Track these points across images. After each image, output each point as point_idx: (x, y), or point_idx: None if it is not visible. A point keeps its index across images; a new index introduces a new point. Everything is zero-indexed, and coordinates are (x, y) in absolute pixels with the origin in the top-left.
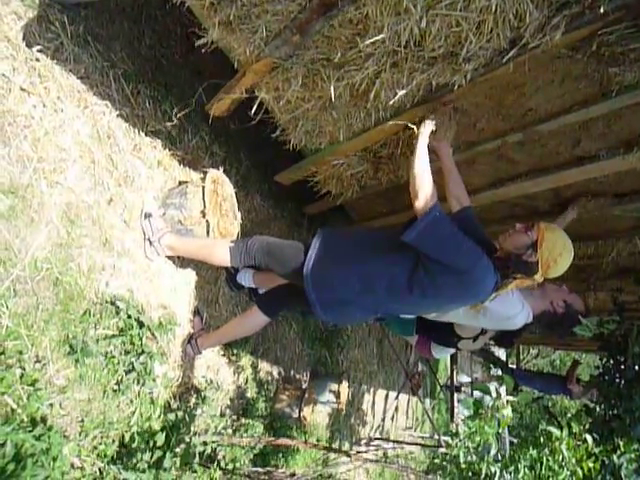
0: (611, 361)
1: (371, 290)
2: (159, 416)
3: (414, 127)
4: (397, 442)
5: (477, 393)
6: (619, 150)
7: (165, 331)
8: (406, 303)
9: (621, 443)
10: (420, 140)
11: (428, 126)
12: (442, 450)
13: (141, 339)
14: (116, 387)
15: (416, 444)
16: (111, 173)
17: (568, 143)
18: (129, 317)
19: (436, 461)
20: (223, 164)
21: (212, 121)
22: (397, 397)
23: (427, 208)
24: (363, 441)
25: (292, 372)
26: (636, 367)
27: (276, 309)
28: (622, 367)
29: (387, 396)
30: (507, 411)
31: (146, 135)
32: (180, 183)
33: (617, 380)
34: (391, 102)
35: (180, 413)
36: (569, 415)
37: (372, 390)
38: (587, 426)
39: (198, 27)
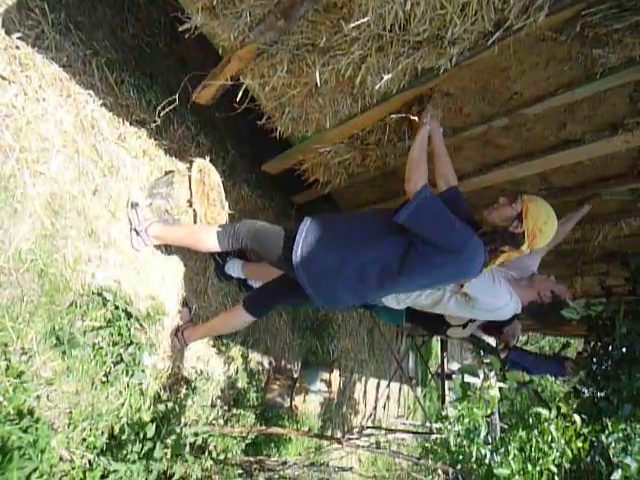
0: (598, 343)
1: (362, 274)
2: (149, 407)
3: (415, 118)
4: (389, 430)
5: (466, 377)
6: (604, 133)
7: (153, 322)
8: (396, 286)
9: (609, 423)
10: (422, 130)
11: (429, 116)
12: (434, 437)
13: (129, 330)
14: (104, 379)
15: (408, 432)
16: (95, 163)
17: (554, 127)
18: (116, 308)
19: (427, 445)
20: (210, 154)
21: (198, 110)
22: (388, 385)
23: (417, 187)
24: (355, 430)
25: (283, 362)
26: (623, 348)
27: (262, 309)
28: (609, 348)
29: (378, 385)
30: (494, 391)
31: (131, 125)
32: (166, 173)
33: (605, 361)
34: (377, 87)
35: (170, 404)
36: (558, 398)
37: (363, 379)
38: (575, 407)
39: (181, 13)
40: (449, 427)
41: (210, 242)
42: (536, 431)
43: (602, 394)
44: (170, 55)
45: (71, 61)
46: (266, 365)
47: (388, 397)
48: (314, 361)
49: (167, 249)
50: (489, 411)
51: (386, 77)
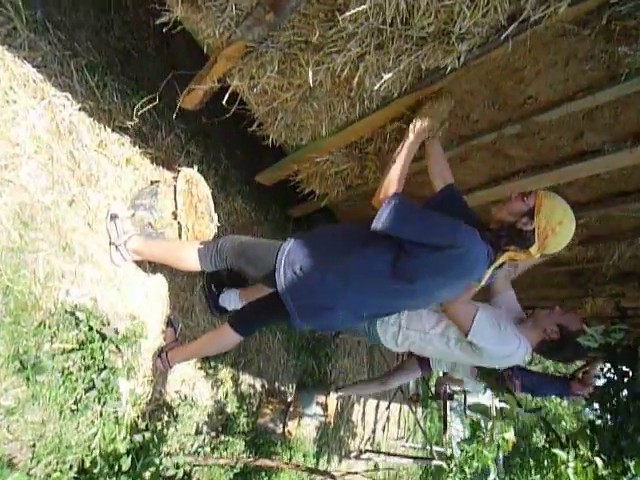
0: (616, 373)
1: (350, 285)
2: (125, 437)
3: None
4: (388, 454)
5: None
6: (626, 143)
7: (130, 344)
8: (393, 294)
9: (631, 464)
10: (408, 144)
11: (419, 127)
12: (435, 463)
13: (103, 353)
14: (74, 407)
15: (408, 457)
16: (72, 171)
17: (570, 136)
18: (90, 329)
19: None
20: (200, 164)
21: (187, 117)
22: (388, 407)
23: (385, 197)
24: (353, 454)
25: (276, 384)
26: None
27: (250, 328)
28: (631, 379)
29: (378, 406)
30: (510, 435)
31: (113, 131)
32: (152, 183)
33: (624, 394)
34: (376, 88)
35: (148, 433)
36: (570, 431)
37: (362, 400)
38: (593, 445)
39: (160, 4)
40: (454, 469)
41: (191, 261)
42: (551, 474)
43: (622, 430)
44: (159, 60)
45: (46, 62)
46: (258, 388)
47: (388, 419)
48: (310, 383)
49: (151, 264)
50: (501, 454)
51: (386, 77)
